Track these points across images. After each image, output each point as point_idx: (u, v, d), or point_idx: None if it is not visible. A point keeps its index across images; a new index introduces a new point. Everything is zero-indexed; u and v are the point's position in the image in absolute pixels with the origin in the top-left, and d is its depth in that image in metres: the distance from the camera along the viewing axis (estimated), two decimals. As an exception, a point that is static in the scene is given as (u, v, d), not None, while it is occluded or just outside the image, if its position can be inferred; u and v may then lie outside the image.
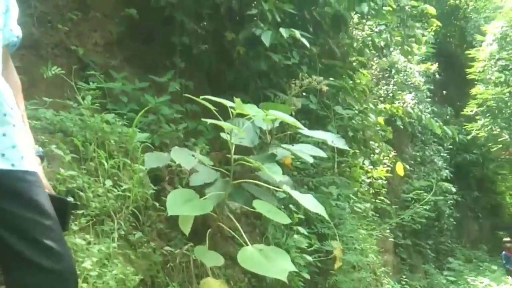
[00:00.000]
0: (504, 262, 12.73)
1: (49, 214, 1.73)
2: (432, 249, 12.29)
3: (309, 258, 4.33)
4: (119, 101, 4.28)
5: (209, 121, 3.36)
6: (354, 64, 7.00)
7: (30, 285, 1.64)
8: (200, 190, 3.53)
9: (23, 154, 1.75)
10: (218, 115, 3.51)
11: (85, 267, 2.52)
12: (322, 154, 3.88)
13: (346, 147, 4.15)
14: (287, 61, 5.15)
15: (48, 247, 1.66)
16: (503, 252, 12.87)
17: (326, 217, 3.47)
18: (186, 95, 3.61)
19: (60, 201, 1.88)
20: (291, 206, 4.45)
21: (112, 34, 4.67)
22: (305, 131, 3.59)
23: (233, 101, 3.42)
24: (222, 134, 3.71)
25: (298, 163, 5.05)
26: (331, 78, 5.77)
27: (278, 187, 3.97)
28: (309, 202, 3.29)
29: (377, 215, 8.09)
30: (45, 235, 1.67)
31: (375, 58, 9.58)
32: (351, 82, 6.65)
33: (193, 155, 3.74)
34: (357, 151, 6.77)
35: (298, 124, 3.35)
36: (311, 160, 3.79)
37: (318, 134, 3.88)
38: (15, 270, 1.66)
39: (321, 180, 5.42)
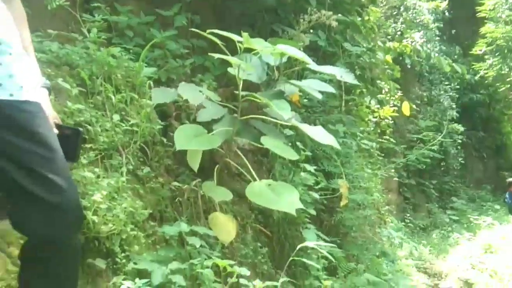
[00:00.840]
0: (508, 201, 12.78)
1: (51, 146, 1.68)
2: (435, 189, 12.37)
3: (316, 195, 4.35)
4: (125, 35, 4.21)
5: (217, 55, 3.30)
6: (363, 0, 6.83)
7: (30, 217, 1.62)
8: (207, 126, 3.51)
9: (22, 84, 1.70)
10: (225, 50, 3.45)
11: (95, 200, 2.53)
12: (330, 89, 3.83)
13: (355, 82, 4.09)
14: (296, -4, 5.03)
15: (49, 179, 1.63)
16: (508, 191, 12.93)
17: (338, 146, 3.42)
18: (193, 29, 3.52)
19: (71, 131, 1.83)
20: (298, 143, 4.43)
21: (117, -32, 4.54)
22: (314, 66, 3.53)
23: (240, 35, 3.34)
24: (230, 69, 3.65)
25: (306, 100, 5.01)
26: (339, 14, 5.63)
27: (286, 124, 3.95)
28: (319, 134, 3.26)
29: (382, 154, 8.10)
30: (46, 167, 1.64)
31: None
32: (359, 18, 6.51)
33: (200, 91, 3.71)
34: (364, 89, 6.70)
35: (307, 58, 3.29)
36: (319, 96, 3.75)
37: (327, 69, 3.82)
38: (15, 201, 1.65)
39: (328, 118, 5.38)
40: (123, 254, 2.72)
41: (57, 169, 1.65)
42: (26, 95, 1.70)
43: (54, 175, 1.63)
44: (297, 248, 3.36)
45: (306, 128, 3.31)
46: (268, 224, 4.20)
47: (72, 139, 1.79)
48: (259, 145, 3.60)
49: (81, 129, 1.87)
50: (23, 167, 1.61)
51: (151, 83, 3.62)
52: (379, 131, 8.24)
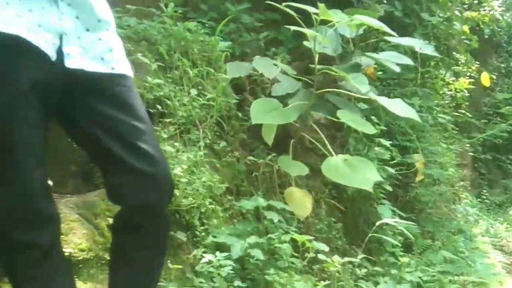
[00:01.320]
0: None
1: (145, 119, 1.71)
2: (512, 164, 11.91)
3: (391, 170, 4.26)
4: (199, 9, 4.21)
5: (293, 28, 3.25)
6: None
7: (128, 186, 1.65)
8: (282, 100, 3.48)
9: (120, 57, 1.73)
10: (301, 23, 3.39)
11: (176, 174, 2.56)
12: (409, 61, 3.72)
13: (435, 54, 3.96)
14: (370, -36, 4.88)
15: (144, 150, 1.64)
16: None
17: (418, 119, 3.32)
18: (268, 1, 3.48)
19: None
20: (372, 117, 4.34)
21: None
22: (392, 37, 3.42)
23: (314, 7, 3.28)
24: (305, 42, 3.59)
25: (380, 72, 4.89)
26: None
27: (360, 97, 3.88)
28: (398, 107, 3.18)
29: (457, 128, 7.85)
30: (141, 139, 1.65)
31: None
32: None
33: (275, 65, 3.67)
34: (439, 61, 6.48)
35: (386, 28, 3.19)
36: (397, 69, 3.64)
37: (405, 41, 3.70)
38: (112, 172, 1.68)
39: (403, 91, 5.24)
40: (202, 228, 2.76)
41: (151, 140, 1.68)
42: (125, 69, 1.73)
43: (149, 147, 1.65)
44: (376, 224, 3.30)
45: (384, 101, 3.23)
46: (342, 199, 4.16)
47: None
48: (334, 119, 3.55)
49: (152, 111, 1.88)
50: (120, 138, 1.63)
51: (228, 55, 3.62)
52: (454, 104, 7.97)
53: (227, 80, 3.48)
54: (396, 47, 4.49)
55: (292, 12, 3.24)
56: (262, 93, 3.79)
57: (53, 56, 1.57)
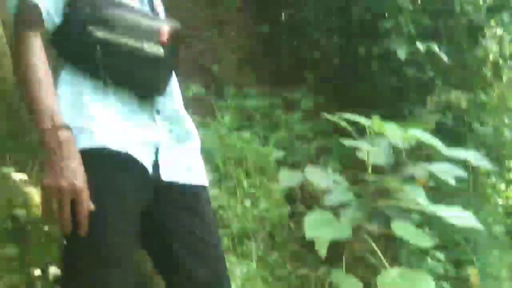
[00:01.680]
0: None
1: (216, 233, 1.77)
2: None
3: (446, 285, 4.11)
4: (252, 118, 4.32)
5: (347, 142, 3.28)
6: (488, 76, 6.63)
7: None
8: (335, 210, 3.46)
9: (202, 168, 1.80)
10: (353, 133, 3.42)
11: (230, 290, 2.52)
12: (462, 174, 3.66)
13: (491, 167, 3.90)
14: (421, 75, 4.96)
15: (213, 268, 1.69)
16: None
17: (480, 226, 3.22)
18: (324, 114, 3.55)
19: None
20: (426, 229, 4.25)
21: (245, 50, 4.73)
22: (446, 150, 3.40)
23: (365, 116, 3.31)
24: (358, 154, 3.60)
25: (432, 182, 4.83)
26: (465, 92, 5.50)
27: (413, 209, 3.81)
28: (456, 216, 3.10)
29: (510, 237, 7.61)
30: (212, 257, 1.71)
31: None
32: (484, 95, 6.31)
33: (327, 174, 3.68)
34: (490, 170, 6.40)
35: (439, 145, 3.18)
36: (453, 182, 3.59)
37: (459, 153, 3.66)
38: (177, 284, 1.70)
39: (455, 200, 5.14)
40: None
41: (220, 256, 1.74)
42: (206, 180, 1.80)
43: (217, 263, 1.71)
44: None
45: (441, 211, 3.16)
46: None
47: None
48: (388, 231, 3.48)
49: None
50: (193, 253, 1.67)
51: (279, 166, 3.66)
52: (506, 212, 7.78)
53: (280, 189, 3.49)
54: (449, 159, 4.47)
55: (345, 124, 3.27)
56: (314, 203, 3.77)
57: (150, 169, 1.64)
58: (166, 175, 1.67)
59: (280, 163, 3.81)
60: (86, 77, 1.63)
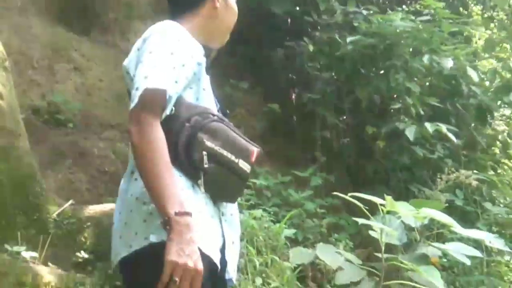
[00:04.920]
0: None
1: None
2: None
3: None
4: (262, 196, 4.32)
5: (361, 220, 3.27)
6: (497, 155, 6.66)
7: None
8: (346, 289, 3.41)
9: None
10: (365, 211, 3.41)
11: None
12: (477, 253, 3.61)
13: (506, 248, 3.85)
14: (431, 155, 5.00)
15: None
16: None
17: None
18: (335, 192, 3.56)
19: None
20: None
21: (255, 129, 4.81)
22: (459, 229, 3.38)
23: (376, 194, 3.31)
24: (371, 232, 3.58)
25: (444, 260, 4.76)
26: (474, 171, 5.51)
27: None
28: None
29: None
30: None
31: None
32: (493, 174, 6.31)
33: (338, 252, 3.65)
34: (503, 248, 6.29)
35: (454, 224, 3.16)
36: (468, 262, 3.54)
37: (473, 233, 3.63)
38: None
39: (469, 279, 5.05)
40: None
41: None
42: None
43: None
44: None
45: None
46: None
47: None
48: (401, 312, 3.41)
49: None
50: None
51: (290, 243, 3.64)
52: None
53: (291, 267, 3.45)
54: (460, 239, 4.43)
55: (358, 203, 3.27)
56: (325, 280, 3.73)
57: (218, 268, 1.76)
58: (230, 273, 1.84)
59: (291, 241, 3.80)
60: (179, 172, 1.74)
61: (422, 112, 4.82)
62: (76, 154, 3.60)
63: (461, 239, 4.51)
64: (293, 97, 5.04)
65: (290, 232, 3.72)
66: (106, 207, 2.70)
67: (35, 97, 3.75)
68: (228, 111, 2.06)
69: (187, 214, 1.60)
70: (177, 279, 1.54)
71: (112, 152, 3.85)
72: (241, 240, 3.21)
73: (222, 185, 1.83)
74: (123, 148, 3.82)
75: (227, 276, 1.83)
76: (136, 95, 1.71)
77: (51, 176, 3.33)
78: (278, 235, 3.51)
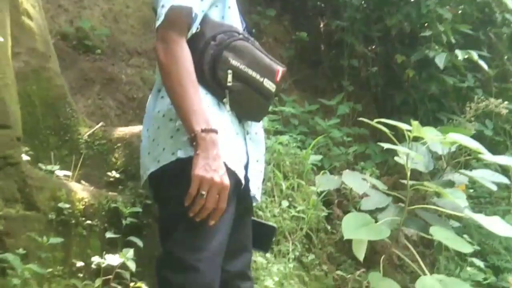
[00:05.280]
0: None
1: None
2: None
3: (486, 292, 4.04)
4: (289, 124, 4.34)
5: (386, 145, 3.26)
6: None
7: None
8: (371, 215, 3.44)
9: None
10: (393, 139, 3.41)
11: (267, 286, 2.55)
12: (505, 180, 3.61)
13: (534, 175, 3.84)
14: (461, 84, 4.92)
15: (247, 276, 1.96)
16: None
17: None
18: (361, 119, 3.55)
19: (267, 226, 2.06)
20: (465, 236, 4.19)
21: (283, 58, 4.77)
22: (488, 156, 3.36)
23: (402, 123, 3.30)
24: (397, 158, 3.59)
25: (471, 190, 4.77)
26: (506, 102, 5.42)
27: (451, 215, 3.77)
28: (497, 225, 3.05)
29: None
30: (249, 267, 1.98)
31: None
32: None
33: (364, 179, 3.67)
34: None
35: (481, 148, 3.15)
36: (494, 188, 3.54)
37: (501, 159, 3.62)
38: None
39: (495, 209, 5.06)
40: None
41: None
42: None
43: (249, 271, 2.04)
44: None
45: (481, 219, 3.13)
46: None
47: (269, 233, 2.02)
48: (425, 237, 3.46)
49: (275, 225, 2.11)
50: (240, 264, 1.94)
51: (316, 170, 3.68)
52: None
53: (316, 193, 3.50)
54: (487, 165, 4.41)
55: (384, 129, 3.27)
56: (351, 207, 3.77)
57: (242, 184, 1.82)
58: (254, 190, 1.89)
59: (317, 168, 3.83)
60: (205, 90, 1.78)
61: (453, 41, 4.71)
62: (104, 80, 3.63)
63: (489, 167, 4.50)
64: (321, 25, 4.96)
65: (316, 158, 3.74)
66: (136, 128, 2.74)
67: (63, 23, 3.76)
68: (254, 30, 2.05)
69: (213, 131, 1.64)
70: (204, 193, 1.59)
71: (140, 79, 3.87)
72: (268, 164, 3.27)
73: (247, 103, 1.86)
74: (151, 75, 3.85)
75: (251, 193, 1.88)
76: (162, 13, 1.71)
77: (80, 101, 3.38)
78: (304, 160, 3.54)
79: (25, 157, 2.24)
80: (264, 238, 1.97)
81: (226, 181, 1.63)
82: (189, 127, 1.64)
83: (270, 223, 2.17)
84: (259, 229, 1.97)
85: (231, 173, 1.69)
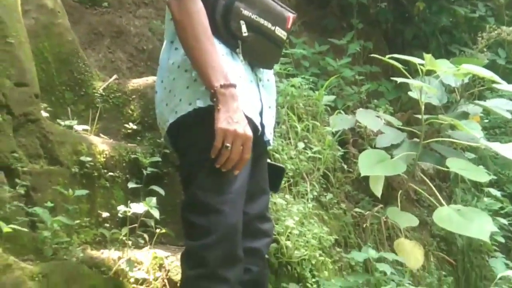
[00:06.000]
0: None
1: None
2: None
3: (504, 220, 4.09)
4: (300, 66, 4.33)
5: (400, 79, 3.26)
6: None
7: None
8: (387, 152, 3.47)
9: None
10: (406, 74, 3.40)
11: (288, 226, 2.61)
12: (520, 107, 3.60)
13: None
14: (472, 14, 4.85)
15: (267, 217, 1.98)
16: None
17: None
18: (372, 55, 3.54)
19: (276, 167, 2.07)
20: (480, 167, 4.22)
21: (290, 0, 4.72)
22: (502, 85, 3.34)
23: (413, 57, 3.29)
24: (410, 93, 3.59)
25: (486, 121, 4.77)
26: (517, 30, 5.34)
27: (466, 147, 3.80)
28: (512, 151, 3.07)
29: None
30: (267, 208, 2.00)
31: None
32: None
33: (378, 116, 3.68)
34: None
35: (495, 77, 3.14)
36: (509, 116, 3.54)
37: (514, 88, 3.60)
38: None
39: (510, 139, 5.07)
40: (313, 280, 2.76)
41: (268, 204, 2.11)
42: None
43: (268, 212, 2.08)
44: (498, 277, 3.18)
45: (497, 147, 3.15)
46: (451, 252, 4.03)
47: (278, 173, 2.04)
48: (440, 170, 3.50)
49: (283, 166, 2.15)
50: (259, 207, 1.96)
51: (329, 111, 3.69)
52: None
53: (331, 133, 3.52)
54: (501, 96, 4.39)
55: (397, 64, 3.26)
56: (366, 145, 3.80)
57: (259, 130, 1.84)
58: (268, 135, 1.91)
59: (331, 109, 3.84)
60: (218, 40, 1.77)
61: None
62: (113, 33, 3.63)
63: (503, 97, 4.48)
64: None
65: (329, 99, 3.74)
66: (149, 79, 2.77)
67: (69, -23, 3.73)
68: None
69: (232, 85, 1.66)
70: (228, 145, 1.63)
71: (148, 30, 3.86)
72: (282, 107, 3.29)
73: (259, 52, 1.88)
74: (159, 25, 3.83)
75: (264, 138, 1.90)
76: None
77: (91, 55, 3.39)
78: (317, 101, 3.54)
79: (44, 114, 2.28)
80: (273, 178, 2.00)
81: (249, 132, 1.67)
82: (208, 83, 1.66)
83: (279, 164, 2.21)
84: (268, 170, 2.00)
85: (248, 121, 1.72)
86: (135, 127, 2.69)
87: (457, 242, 3.99)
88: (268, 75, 1.96)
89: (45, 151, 2.16)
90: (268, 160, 2.09)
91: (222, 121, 1.63)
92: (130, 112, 2.73)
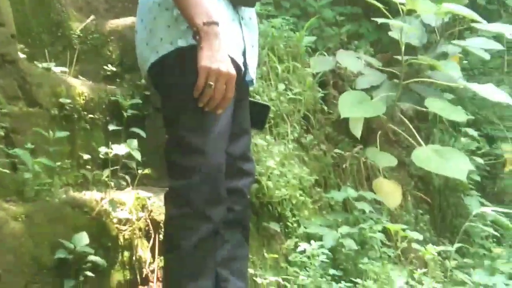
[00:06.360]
0: None
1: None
2: None
3: (480, 160, 4.17)
4: (281, 7, 4.28)
5: (380, 20, 3.25)
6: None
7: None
8: (367, 93, 3.49)
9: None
10: (387, 14, 3.39)
11: (269, 166, 2.64)
12: (498, 46, 3.61)
13: (526, 42, 3.84)
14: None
15: (249, 157, 2.01)
16: None
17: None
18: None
19: (261, 105, 2.09)
20: (458, 107, 4.27)
21: None
22: (481, 24, 3.34)
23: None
24: (390, 33, 3.58)
25: (465, 62, 4.79)
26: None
27: (445, 87, 3.83)
28: (490, 92, 3.12)
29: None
30: (249, 149, 2.01)
31: None
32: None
33: (358, 58, 3.68)
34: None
35: (475, 16, 3.14)
36: (487, 56, 3.57)
37: (493, 27, 3.60)
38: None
39: (489, 79, 5.10)
40: (293, 219, 2.83)
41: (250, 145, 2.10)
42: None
43: (250, 152, 2.10)
44: (473, 214, 3.27)
45: (475, 87, 3.18)
46: (428, 191, 4.12)
47: (263, 112, 2.06)
48: (422, 109, 3.53)
49: (269, 104, 2.19)
50: (241, 149, 1.98)
51: (310, 52, 3.67)
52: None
53: (312, 75, 3.52)
54: (481, 36, 4.40)
55: (378, 4, 3.24)
56: (347, 87, 3.81)
57: (242, 70, 1.83)
58: (251, 75, 1.91)
59: (312, 50, 3.82)
60: None
61: None
62: (90, -27, 3.54)
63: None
64: None
65: (310, 40, 3.72)
66: (128, 20, 2.72)
67: None
68: None
69: (214, 23, 1.64)
70: (211, 83, 1.62)
71: (125, -30, 3.77)
72: (262, 48, 3.26)
73: None
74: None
75: (247, 78, 1.90)
76: None
77: (67, -4, 3.32)
78: (298, 43, 3.52)
79: (21, 56, 2.24)
80: (258, 116, 2.01)
81: (232, 70, 1.66)
82: (190, 21, 1.64)
83: (264, 102, 2.21)
84: (253, 109, 2.01)
85: (232, 61, 1.71)
86: (114, 69, 2.67)
87: (434, 181, 4.07)
88: (250, 13, 1.93)
89: (23, 92, 2.14)
90: (253, 99, 2.09)
91: (205, 60, 1.62)
92: (108, 53, 2.70)
